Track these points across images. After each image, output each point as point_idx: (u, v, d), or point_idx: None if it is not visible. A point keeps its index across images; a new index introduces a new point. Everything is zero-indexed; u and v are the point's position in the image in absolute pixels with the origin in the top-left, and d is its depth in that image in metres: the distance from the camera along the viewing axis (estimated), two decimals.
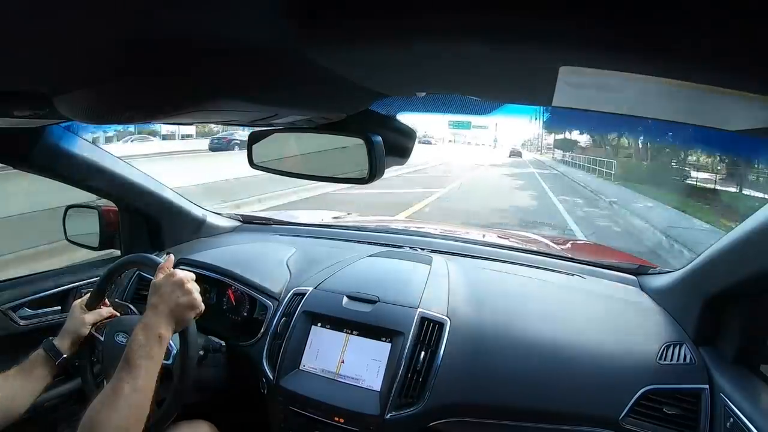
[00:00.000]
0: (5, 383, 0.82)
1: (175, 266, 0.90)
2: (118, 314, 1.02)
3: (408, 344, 0.95)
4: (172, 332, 0.78)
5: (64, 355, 0.90)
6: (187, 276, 0.84)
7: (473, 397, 0.92)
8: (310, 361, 1.00)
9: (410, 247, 1.35)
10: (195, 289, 0.84)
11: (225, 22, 0.31)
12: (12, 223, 3.37)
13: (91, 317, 0.96)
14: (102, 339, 0.96)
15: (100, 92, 0.39)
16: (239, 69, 0.39)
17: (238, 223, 1.63)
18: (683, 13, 0.23)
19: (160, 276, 0.83)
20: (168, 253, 0.92)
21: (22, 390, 0.83)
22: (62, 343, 0.91)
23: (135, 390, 0.68)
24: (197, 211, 1.50)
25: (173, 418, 0.86)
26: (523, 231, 4.53)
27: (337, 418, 0.93)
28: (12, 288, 1.12)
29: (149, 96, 0.39)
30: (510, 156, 33.03)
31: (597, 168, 17.17)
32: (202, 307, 0.84)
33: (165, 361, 0.77)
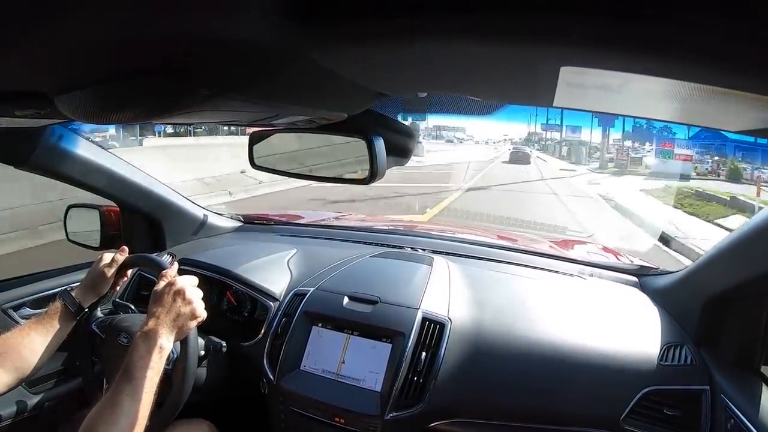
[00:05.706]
0: (22, 337, 0.80)
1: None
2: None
3: (409, 345, 0.94)
4: (173, 342, 0.77)
5: (85, 308, 0.87)
6: (189, 284, 0.82)
7: (474, 397, 0.92)
8: (310, 362, 1.00)
9: (411, 248, 1.34)
10: (197, 296, 0.82)
11: (227, 21, 0.31)
12: None
13: (112, 271, 0.93)
14: (103, 338, 0.96)
15: (100, 92, 0.39)
16: (240, 69, 0.39)
17: (239, 223, 1.63)
18: (684, 14, 0.23)
19: (162, 284, 0.81)
20: (170, 254, 0.92)
21: (40, 344, 0.81)
22: (81, 295, 0.88)
23: (134, 401, 0.67)
24: (198, 211, 1.50)
25: (173, 419, 0.86)
26: (525, 232, 4.52)
27: (337, 419, 0.93)
28: (13, 287, 1.12)
29: (150, 95, 0.39)
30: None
31: None
32: (204, 314, 0.82)
33: (164, 366, 0.77)
